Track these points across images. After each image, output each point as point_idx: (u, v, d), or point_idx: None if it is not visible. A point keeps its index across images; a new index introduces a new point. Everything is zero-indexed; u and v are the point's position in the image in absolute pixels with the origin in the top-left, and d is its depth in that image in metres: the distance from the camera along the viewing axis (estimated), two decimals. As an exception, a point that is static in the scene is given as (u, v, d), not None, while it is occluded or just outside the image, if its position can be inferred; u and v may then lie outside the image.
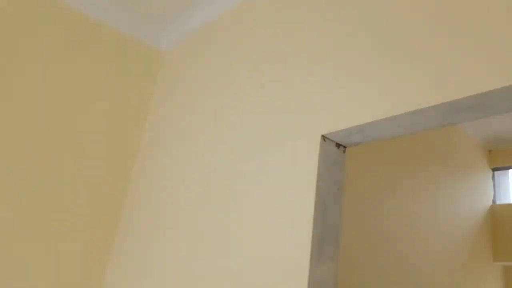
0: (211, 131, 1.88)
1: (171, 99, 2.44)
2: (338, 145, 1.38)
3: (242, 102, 1.77)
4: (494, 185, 5.14)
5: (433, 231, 3.73)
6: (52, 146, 2.16)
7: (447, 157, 4.30)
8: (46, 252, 2.04)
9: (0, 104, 2.02)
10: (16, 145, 2.03)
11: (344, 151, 1.40)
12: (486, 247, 4.55)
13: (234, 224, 1.47)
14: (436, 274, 3.61)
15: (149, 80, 2.72)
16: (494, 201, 5.00)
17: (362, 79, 1.28)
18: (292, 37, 1.67)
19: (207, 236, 1.56)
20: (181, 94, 2.34)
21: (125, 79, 2.59)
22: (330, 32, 1.49)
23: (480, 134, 4.83)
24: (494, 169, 5.22)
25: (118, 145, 2.45)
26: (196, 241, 1.61)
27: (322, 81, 1.41)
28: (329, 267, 1.23)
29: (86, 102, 2.36)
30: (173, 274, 1.65)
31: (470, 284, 4.18)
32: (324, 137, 1.34)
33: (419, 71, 1.13)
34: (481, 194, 4.82)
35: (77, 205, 2.20)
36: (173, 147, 2.14)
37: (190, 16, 2.47)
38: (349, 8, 1.46)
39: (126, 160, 2.49)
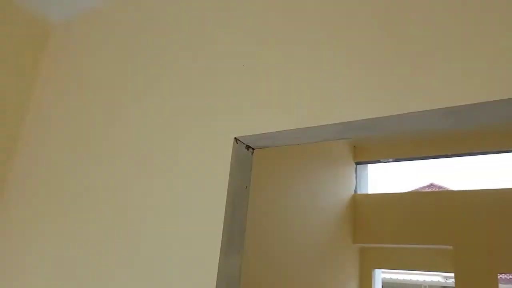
0: (111, 126, 1.85)
1: (60, 77, 2.29)
2: (248, 147, 1.53)
3: (149, 98, 1.79)
4: (356, 177, 5.94)
5: (313, 218, 4.22)
6: None
7: (324, 154, 4.84)
8: None
9: None
10: None
11: (252, 153, 1.55)
12: (347, 231, 5.26)
13: (147, 220, 1.52)
14: (312, 256, 4.10)
15: (35, 52, 2.49)
16: (355, 191, 5.78)
17: (277, 92, 1.44)
18: (209, 35, 1.74)
19: (117, 235, 1.58)
20: (72, 75, 2.21)
21: (8, 48, 2.34)
22: (249, 37, 1.61)
23: (349, 133, 5.49)
24: (357, 163, 6.00)
25: None
26: (107, 240, 1.61)
27: (242, 88, 1.53)
28: (236, 260, 1.37)
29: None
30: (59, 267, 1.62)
31: (336, 263, 4.83)
32: (236, 140, 1.47)
33: (323, 92, 1.34)
34: (346, 184, 5.54)
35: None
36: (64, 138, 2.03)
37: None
38: (272, 12, 1.60)
39: (5, 140, 2.28)
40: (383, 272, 6.29)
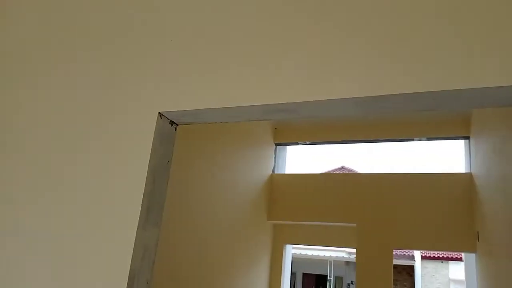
0: (35, 99, 1.75)
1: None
2: (172, 122, 1.55)
3: (73, 69, 1.71)
4: (275, 157, 6.19)
5: (232, 194, 4.35)
6: None
7: (247, 134, 4.96)
8: None
9: None
10: None
11: (175, 129, 1.57)
12: (263, 208, 5.50)
13: (69, 191, 1.48)
14: (229, 230, 4.24)
15: None
16: (273, 171, 6.03)
17: (203, 71, 1.47)
18: (136, 9, 1.70)
19: (38, 208, 1.51)
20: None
21: None
22: (177, 13, 1.61)
23: (271, 115, 5.67)
24: (277, 144, 6.24)
25: None
26: (25, 216, 1.53)
27: (168, 64, 1.53)
28: (153, 233, 1.40)
29: None
30: None
31: (250, 238, 5.04)
32: (160, 114, 1.48)
33: (246, 74, 1.40)
34: (265, 164, 5.76)
35: None
36: None
37: None
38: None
39: None
40: (293, 248, 6.69)
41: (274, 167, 6.12)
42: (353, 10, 1.30)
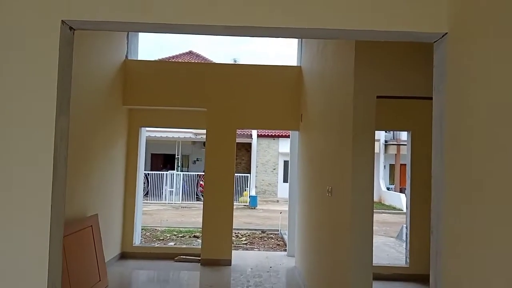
0: None
1: None
2: (71, 28, 1.69)
3: None
4: (127, 43, 6.15)
5: (86, 82, 4.32)
6: None
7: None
8: None
9: None
10: None
11: (73, 33, 1.73)
12: (118, 94, 5.65)
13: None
14: (85, 117, 4.32)
15: None
16: (126, 57, 6.06)
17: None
18: None
19: None
20: None
21: None
22: None
23: None
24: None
25: None
26: None
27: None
28: (66, 118, 1.65)
29: None
30: None
31: (107, 123, 5.25)
32: (63, 22, 1.61)
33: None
34: (118, 50, 5.73)
35: None
36: None
37: None
38: None
39: None
40: (147, 131, 7.11)
41: (127, 52, 6.13)
42: None
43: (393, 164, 20.01)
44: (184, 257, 5.84)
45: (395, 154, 19.41)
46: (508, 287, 1.10)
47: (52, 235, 1.49)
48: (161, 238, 8.30)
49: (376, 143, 13.68)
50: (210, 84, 5.86)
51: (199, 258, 5.68)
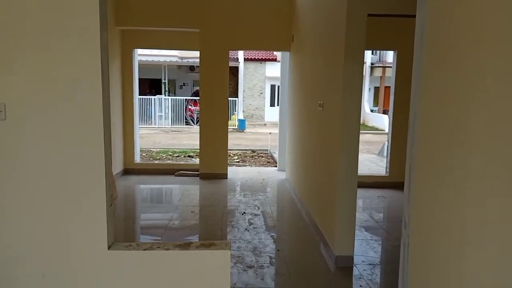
0: None
1: None
2: None
3: None
4: (114, -40, 5.97)
5: None
6: None
7: None
8: None
9: None
10: None
11: None
12: (110, 14, 5.64)
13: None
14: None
15: None
16: (115, -25, 5.93)
17: None
18: None
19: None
20: None
21: None
22: None
23: None
24: None
25: None
26: None
27: None
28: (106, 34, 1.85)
29: None
30: None
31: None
32: None
33: None
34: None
35: None
36: None
37: None
38: None
39: None
40: (139, 55, 7.15)
41: (116, -30, 5.99)
42: None
43: (378, 87, 20.40)
44: (183, 171, 6.30)
45: (380, 76, 19.70)
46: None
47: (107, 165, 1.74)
48: (157, 158, 8.73)
49: (362, 66, 13.94)
50: (203, 4, 5.86)
51: (198, 173, 6.13)
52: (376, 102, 21.04)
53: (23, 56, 1.63)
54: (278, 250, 3.45)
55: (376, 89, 20.91)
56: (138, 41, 6.29)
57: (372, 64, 19.30)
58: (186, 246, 1.77)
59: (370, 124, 17.88)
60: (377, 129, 16.58)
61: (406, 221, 1.69)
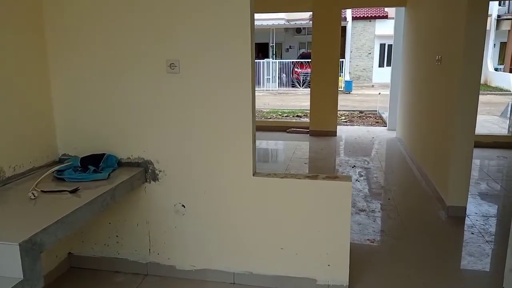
0: None
1: None
2: None
3: None
4: None
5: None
6: None
7: None
8: None
9: None
10: None
11: None
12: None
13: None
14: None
15: None
16: None
17: None
18: None
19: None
20: None
21: None
22: None
23: None
24: None
25: None
26: None
27: None
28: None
29: None
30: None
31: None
32: None
33: None
34: None
35: None
36: None
37: None
38: None
39: None
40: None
41: None
42: None
43: (505, 42, 18.18)
44: (295, 129, 6.70)
45: (509, 30, 17.50)
46: None
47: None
48: (268, 117, 9.28)
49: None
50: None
51: (308, 130, 6.47)
52: (502, 59, 18.84)
53: (190, 17, 2.06)
54: (388, 199, 3.66)
55: (503, 45, 18.64)
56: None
57: (498, 16, 17.20)
58: (314, 176, 2.12)
59: (493, 84, 16.24)
60: (501, 89, 15.01)
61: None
